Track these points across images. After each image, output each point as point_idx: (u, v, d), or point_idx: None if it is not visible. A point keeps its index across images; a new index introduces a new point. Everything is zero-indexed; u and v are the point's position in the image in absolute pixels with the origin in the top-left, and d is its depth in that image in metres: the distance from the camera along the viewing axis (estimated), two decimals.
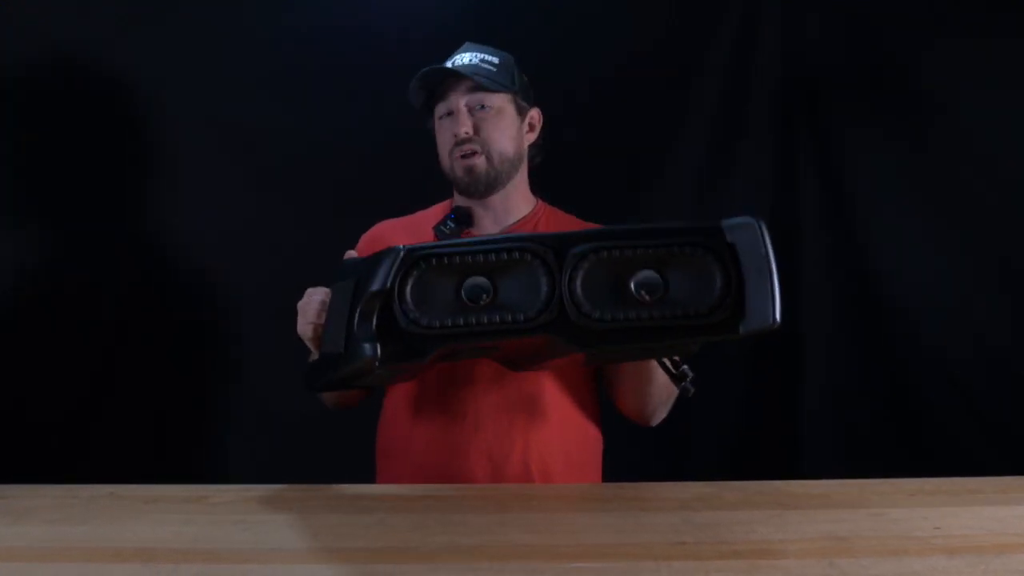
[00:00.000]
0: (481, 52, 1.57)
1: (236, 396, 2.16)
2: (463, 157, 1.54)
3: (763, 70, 2.15)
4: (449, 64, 1.56)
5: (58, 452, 2.10)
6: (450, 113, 1.56)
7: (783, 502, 1.22)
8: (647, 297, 1.13)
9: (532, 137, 1.62)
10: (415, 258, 1.15)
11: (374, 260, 1.17)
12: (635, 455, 1.82)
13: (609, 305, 1.14)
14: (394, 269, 1.14)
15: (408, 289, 1.15)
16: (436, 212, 1.64)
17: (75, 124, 2.14)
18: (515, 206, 1.60)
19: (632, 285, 1.13)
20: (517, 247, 1.15)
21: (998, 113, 2.09)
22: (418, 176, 1.68)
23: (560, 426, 1.51)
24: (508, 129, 1.56)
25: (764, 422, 2.14)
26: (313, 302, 1.30)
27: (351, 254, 1.39)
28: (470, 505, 1.26)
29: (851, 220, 2.15)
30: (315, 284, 1.51)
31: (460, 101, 1.54)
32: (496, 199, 1.58)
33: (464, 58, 1.57)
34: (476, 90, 1.54)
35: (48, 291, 2.13)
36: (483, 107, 1.54)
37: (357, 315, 1.16)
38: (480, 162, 1.54)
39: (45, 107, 2.13)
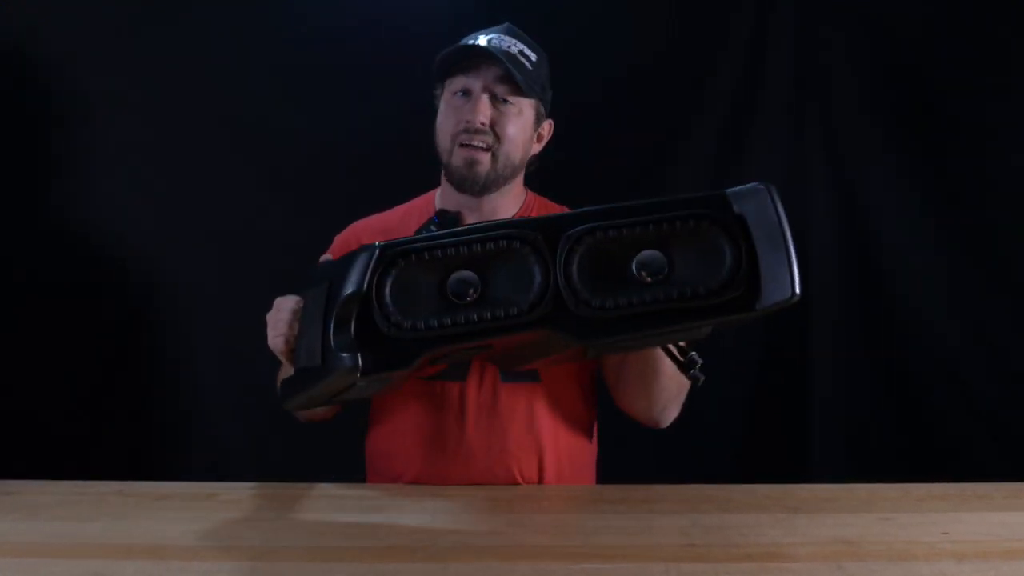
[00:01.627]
0: (521, 42, 1.44)
1: (236, 395, 2.16)
2: (468, 147, 1.41)
3: (775, 69, 2.14)
4: (484, 40, 1.41)
5: (62, 449, 2.11)
6: (467, 92, 1.41)
7: (792, 505, 1.22)
8: (650, 279, 1.03)
9: (538, 148, 1.51)
10: (392, 255, 1.04)
11: (347, 260, 1.07)
12: (642, 458, 1.82)
13: (609, 291, 1.03)
14: (370, 269, 1.03)
15: (387, 290, 1.04)
16: (417, 208, 1.53)
17: (74, 123, 2.14)
18: (504, 207, 1.48)
19: (633, 267, 1.03)
20: (504, 235, 1.04)
21: (1007, 111, 2.08)
22: (416, 175, 1.64)
23: (553, 451, 1.43)
24: (523, 132, 1.44)
25: (772, 426, 2.13)
26: (283, 311, 1.19)
27: (326, 258, 1.29)
28: (480, 505, 1.26)
29: (862, 221, 2.14)
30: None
31: (484, 84, 1.40)
32: (486, 201, 1.46)
33: (503, 41, 1.41)
34: (505, 81, 1.40)
35: (54, 289, 2.13)
36: (506, 101, 1.41)
37: (332, 323, 1.04)
38: (484, 159, 1.41)
39: (45, 106, 2.14)
